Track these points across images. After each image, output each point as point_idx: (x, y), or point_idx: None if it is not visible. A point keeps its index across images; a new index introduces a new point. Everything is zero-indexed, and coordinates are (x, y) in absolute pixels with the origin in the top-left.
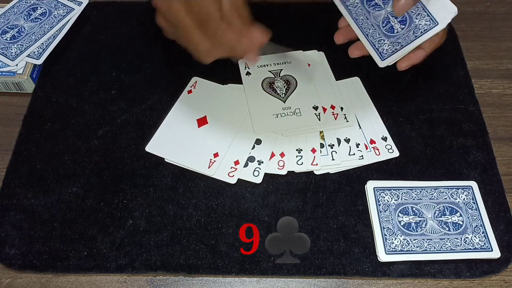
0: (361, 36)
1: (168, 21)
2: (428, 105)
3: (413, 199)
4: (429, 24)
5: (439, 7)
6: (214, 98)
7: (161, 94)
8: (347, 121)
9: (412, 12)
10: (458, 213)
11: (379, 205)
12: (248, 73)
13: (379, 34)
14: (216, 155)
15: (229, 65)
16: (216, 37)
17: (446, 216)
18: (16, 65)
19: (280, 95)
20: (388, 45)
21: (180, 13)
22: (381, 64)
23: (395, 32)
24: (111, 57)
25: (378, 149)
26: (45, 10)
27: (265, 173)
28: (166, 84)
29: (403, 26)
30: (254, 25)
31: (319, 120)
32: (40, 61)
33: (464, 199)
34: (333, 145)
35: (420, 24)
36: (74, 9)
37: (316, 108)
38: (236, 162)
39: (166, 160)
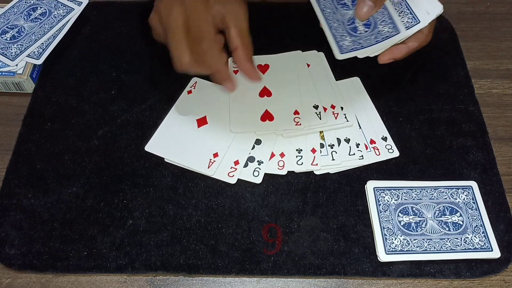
0: (324, 26)
1: (161, 24)
2: (428, 105)
3: (413, 199)
4: (391, 32)
5: (403, 16)
6: (214, 98)
7: (161, 94)
8: (347, 121)
9: (378, 18)
10: (458, 213)
11: (379, 205)
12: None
13: (342, 30)
14: (215, 155)
15: None
16: (202, 55)
17: (446, 216)
18: (16, 65)
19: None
20: (349, 42)
21: (177, 21)
22: (339, 56)
23: (357, 32)
24: (111, 57)
25: (378, 149)
26: (45, 10)
27: (265, 173)
28: (166, 84)
29: (367, 29)
30: (252, 64)
31: (320, 119)
32: (40, 61)
33: (464, 199)
34: (333, 145)
35: (382, 31)
36: (74, 9)
37: (316, 107)
38: (236, 162)
39: (165, 160)
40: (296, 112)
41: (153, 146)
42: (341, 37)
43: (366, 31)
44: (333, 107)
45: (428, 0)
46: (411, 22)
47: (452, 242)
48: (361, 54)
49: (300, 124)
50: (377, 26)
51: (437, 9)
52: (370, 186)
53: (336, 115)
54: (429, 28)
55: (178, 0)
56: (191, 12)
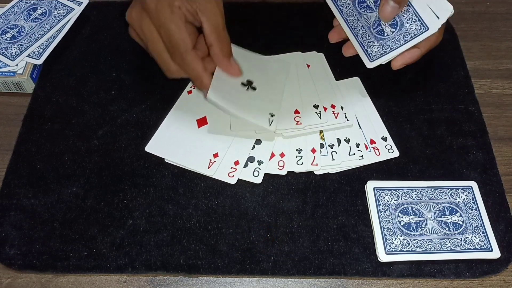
0: (351, 36)
1: (139, 36)
2: (428, 105)
3: (413, 199)
4: (420, 29)
5: (429, 12)
6: None
7: (161, 94)
8: (347, 120)
9: (403, 16)
10: (458, 213)
11: (379, 205)
12: None
13: (368, 36)
14: (216, 155)
15: None
16: (181, 64)
17: (446, 216)
18: (16, 65)
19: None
20: (378, 47)
21: (151, 33)
22: (369, 65)
23: (385, 35)
24: (111, 57)
25: (378, 149)
26: (45, 10)
27: (265, 173)
28: (166, 84)
29: (394, 30)
30: (230, 59)
31: (320, 118)
32: (40, 61)
33: (464, 199)
34: (333, 145)
35: (411, 29)
36: (74, 9)
37: (316, 107)
38: (236, 162)
39: (166, 160)
40: (296, 112)
41: (153, 147)
42: (368, 43)
43: (393, 32)
44: (333, 107)
45: (436, 3)
46: (420, 30)
47: (452, 242)
48: (391, 57)
49: (301, 123)
50: (404, 25)
51: (448, 12)
52: (370, 186)
53: (336, 115)
54: (440, 30)
55: (144, 11)
56: (159, 21)
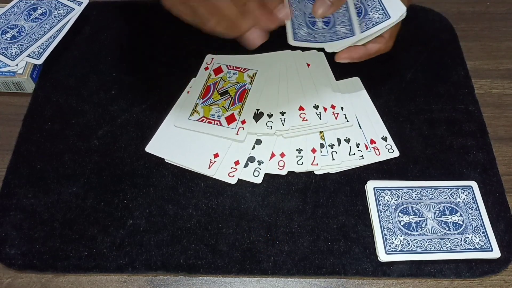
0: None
1: (191, 11)
2: (428, 105)
3: (413, 199)
4: (346, 33)
5: (374, 12)
6: None
7: (161, 94)
8: (347, 121)
9: (338, 18)
10: (458, 213)
11: (379, 205)
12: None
13: (301, 20)
14: (216, 155)
15: None
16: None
17: (446, 216)
18: (16, 65)
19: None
20: (305, 32)
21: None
22: (290, 42)
23: (315, 27)
24: (111, 57)
25: (378, 149)
26: (45, 10)
27: (265, 173)
28: (166, 84)
29: (325, 27)
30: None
31: (320, 119)
32: (40, 61)
33: (464, 199)
34: (333, 145)
35: (339, 31)
36: (74, 9)
37: (316, 107)
38: (236, 162)
39: (166, 160)
40: (301, 108)
41: (153, 147)
42: (298, 25)
43: (324, 28)
44: (333, 107)
45: (393, 2)
46: (382, 18)
47: (452, 242)
48: (313, 46)
49: (307, 120)
50: (335, 26)
51: (400, 11)
52: (370, 186)
53: (336, 115)
54: (390, 34)
55: None
56: None
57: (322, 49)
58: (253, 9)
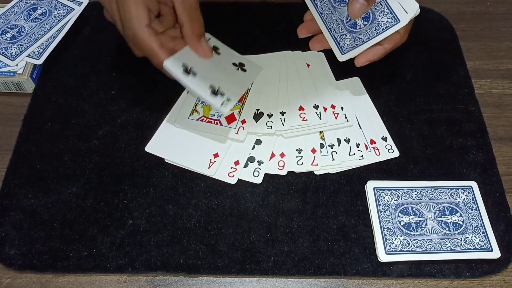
0: (324, 30)
1: (111, 17)
2: (428, 105)
3: (413, 199)
4: (391, 21)
5: (401, 5)
6: None
7: (161, 94)
8: (347, 121)
9: (376, 9)
10: (458, 213)
11: (379, 205)
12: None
13: (341, 29)
14: (216, 155)
15: None
16: (134, 42)
17: (446, 216)
18: (16, 65)
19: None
20: (350, 40)
21: (115, 11)
22: (341, 58)
23: (357, 28)
24: (111, 57)
25: (378, 149)
26: (45, 10)
27: (265, 173)
28: (166, 84)
29: (366, 23)
30: (200, 39)
31: (320, 119)
32: (40, 61)
33: (464, 199)
34: (333, 145)
35: (382, 22)
36: (74, 9)
37: (316, 107)
38: (236, 163)
39: (166, 160)
40: (301, 108)
41: (153, 147)
42: (341, 37)
43: (365, 25)
44: (333, 107)
45: (405, 1)
46: (391, 22)
47: (452, 242)
48: (362, 49)
49: (307, 120)
50: (376, 18)
51: (414, 9)
52: (370, 186)
53: (336, 115)
54: (406, 29)
55: None
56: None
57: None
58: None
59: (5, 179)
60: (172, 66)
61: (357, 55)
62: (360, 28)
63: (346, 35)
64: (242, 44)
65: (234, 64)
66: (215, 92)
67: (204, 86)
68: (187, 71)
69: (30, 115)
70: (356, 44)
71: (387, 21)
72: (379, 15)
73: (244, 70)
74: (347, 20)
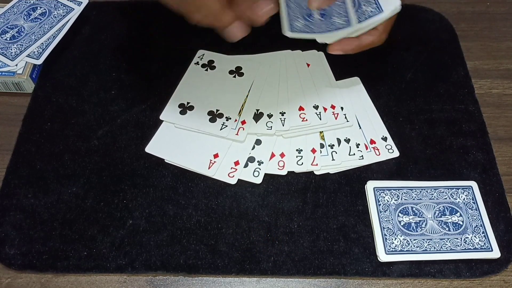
0: (281, 2)
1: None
2: (428, 105)
3: (413, 199)
4: (343, 24)
5: (367, 5)
6: None
7: (161, 94)
8: (347, 121)
9: (334, 10)
10: (458, 213)
11: (379, 205)
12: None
13: (298, 12)
14: (216, 155)
15: None
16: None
17: (446, 216)
18: (16, 65)
19: None
20: (302, 24)
21: None
22: (287, 33)
23: (310, 19)
24: (111, 57)
25: (378, 149)
26: (45, 10)
27: (265, 173)
28: (166, 84)
29: (322, 19)
30: None
31: (320, 119)
32: (40, 61)
33: (464, 199)
34: (333, 145)
35: (335, 22)
36: (74, 9)
37: (316, 107)
38: (236, 163)
39: (166, 160)
40: (301, 108)
41: (153, 148)
42: (294, 17)
43: (321, 20)
44: (333, 107)
45: None
46: (374, 12)
47: (452, 242)
48: (309, 37)
49: (307, 120)
50: (331, 17)
51: (393, 5)
52: (370, 186)
53: (336, 115)
54: (384, 27)
55: None
56: None
57: (320, 46)
58: (238, 2)
59: (5, 179)
60: (168, 116)
61: (330, 44)
62: (314, 20)
63: (299, 19)
64: (242, 44)
65: (231, 71)
66: (214, 116)
67: (202, 115)
68: (184, 108)
69: (30, 115)
70: (306, 31)
71: (339, 22)
72: (335, 16)
73: (242, 74)
74: (305, 8)
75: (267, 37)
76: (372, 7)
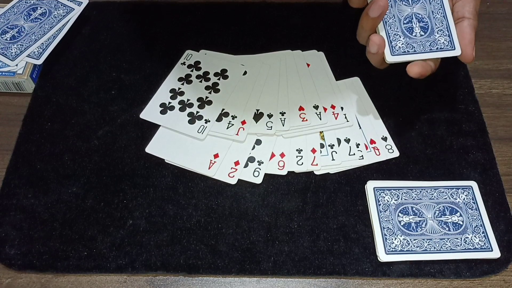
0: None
1: None
2: (428, 105)
3: (413, 199)
4: (446, 45)
5: (440, 35)
6: None
7: None
8: (347, 121)
9: (436, 25)
10: (458, 213)
11: (379, 205)
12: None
13: (397, 28)
14: (216, 155)
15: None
16: None
17: (446, 216)
18: (16, 65)
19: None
20: (402, 43)
21: None
22: (390, 58)
23: (413, 34)
24: (111, 57)
25: (378, 149)
26: (45, 10)
27: (265, 174)
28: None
29: (423, 34)
30: None
31: (320, 119)
32: (40, 61)
33: (464, 199)
34: (333, 145)
35: (439, 41)
36: (74, 9)
37: (316, 107)
38: (236, 163)
39: (166, 160)
40: (301, 108)
41: (153, 148)
42: (394, 36)
43: (422, 36)
44: (333, 107)
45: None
46: (447, 45)
47: (452, 242)
48: (412, 58)
49: (307, 120)
50: (434, 33)
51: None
52: (370, 186)
53: (336, 115)
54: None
55: None
56: None
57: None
58: None
59: (5, 179)
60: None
61: (409, 63)
62: (415, 35)
63: (400, 37)
64: (242, 44)
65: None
66: (194, 117)
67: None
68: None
69: (30, 115)
70: (408, 51)
71: (443, 42)
72: (437, 33)
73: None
74: (405, 22)
75: (267, 37)
76: (445, 39)
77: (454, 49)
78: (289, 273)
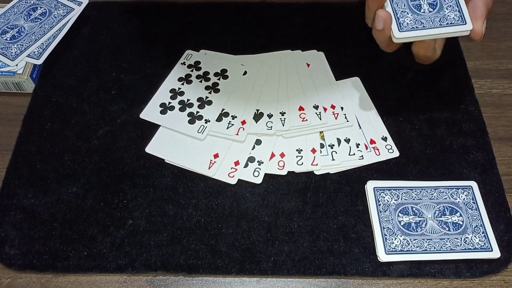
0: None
1: None
2: (428, 105)
3: (413, 199)
4: (456, 20)
5: (450, 10)
6: None
7: None
8: (347, 121)
9: (445, 1)
10: (458, 213)
11: (379, 205)
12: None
13: (404, 5)
14: (216, 155)
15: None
16: None
17: (446, 216)
18: (16, 65)
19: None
20: (410, 19)
21: None
22: (398, 34)
23: (421, 11)
24: (111, 57)
25: (378, 149)
26: (45, 10)
27: (265, 173)
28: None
29: (431, 10)
30: None
31: (320, 119)
32: (40, 61)
33: (464, 199)
34: (333, 145)
35: (448, 16)
36: (74, 9)
37: (316, 107)
38: (236, 163)
39: (166, 160)
40: (301, 108)
41: (153, 148)
42: (402, 13)
43: (430, 12)
44: (333, 107)
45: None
46: (457, 20)
47: (452, 242)
48: (422, 34)
49: (307, 120)
50: (442, 9)
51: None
52: (370, 186)
53: (336, 115)
54: (439, 44)
55: None
56: None
57: (320, 46)
58: None
59: (5, 179)
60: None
61: (414, 43)
62: (424, 12)
63: (408, 14)
64: (242, 44)
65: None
66: (194, 117)
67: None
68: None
69: (30, 115)
70: (416, 27)
71: (453, 17)
72: (447, 8)
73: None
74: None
75: (267, 37)
76: (455, 14)
77: (465, 23)
78: (289, 273)
